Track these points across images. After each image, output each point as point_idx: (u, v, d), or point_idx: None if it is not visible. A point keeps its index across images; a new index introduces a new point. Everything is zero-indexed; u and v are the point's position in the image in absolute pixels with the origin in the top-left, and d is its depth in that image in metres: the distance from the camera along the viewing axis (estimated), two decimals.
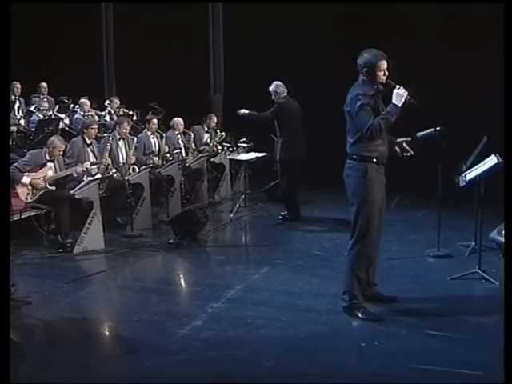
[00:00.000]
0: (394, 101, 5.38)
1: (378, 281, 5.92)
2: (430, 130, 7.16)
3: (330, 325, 5.51)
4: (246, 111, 9.44)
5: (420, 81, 6.05)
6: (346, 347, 5.11)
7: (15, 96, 11.97)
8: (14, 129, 9.87)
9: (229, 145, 11.63)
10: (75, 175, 8.41)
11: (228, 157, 11.08)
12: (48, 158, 8.26)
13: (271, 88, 9.22)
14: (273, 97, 9.22)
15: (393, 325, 5.43)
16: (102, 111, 12.19)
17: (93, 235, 7.89)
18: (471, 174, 6.90)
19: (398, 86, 5.40)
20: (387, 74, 5.46)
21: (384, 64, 5.45)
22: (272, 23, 12.46)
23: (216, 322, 5.57)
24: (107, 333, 5.77)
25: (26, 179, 8.01)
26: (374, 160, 5.46)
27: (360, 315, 5.56)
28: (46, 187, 8.09)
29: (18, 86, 12.09)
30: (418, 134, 7.01)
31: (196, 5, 13.75)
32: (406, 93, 5.37)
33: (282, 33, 12.32)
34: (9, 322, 4.19)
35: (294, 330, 5.40)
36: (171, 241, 8.06)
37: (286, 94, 9.20)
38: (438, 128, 7.15)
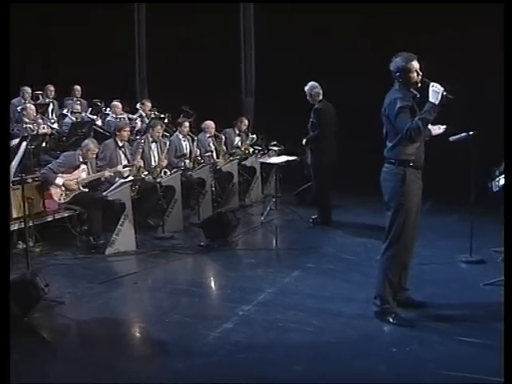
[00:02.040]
0: (430, 99, 5.29)
1: (410, 286, 5.88)
2: (462, 134, 7.09)
3: (360, 329, 5.47)
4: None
5: (456, 82, 5.95)
6: (376, 352, 5.07)
7: (49, 98, 12.12)
8: (47, 131, 9.96)
9: (260, 148, 11.65)
10: (103, 179, 8.48)
11: (259, 160, 11.10)
12: (81, 159, 8.36)
13: (306, 88, 9.20)
14: (308, 97, 9.19)
15: (424, 330, 5.38)
16: (133, 114, 12.25)
17: (124, 237, 7.96)
18: (504, 180, 6.82)
19: (432, 84, 5.32)
20: (420, 73, 5.41)
21: (415, 64, 5.40)
22: (305, 25, 12.40)
23: (247, 325, 5.57)
24: (138, 334, 5.80)
25: (59, 180, 8.11)
26: (412, 164, 5.42)
27: (391, 320, 5.52)
28: (79, 189, 8.19)
29: (52, 88, 12.24)
30: (451, 138, 6.94)
31: (228, 5, 13.72)
32: (442, 89, 5.27)
33: (315, 35, 12.25)
34: (9, 322, 4.19)
35: (325, 335, 5.38)
36: (202, 243, 8.10)
37: (321, 97, 9.16)
38: (470, 132, 7.08)
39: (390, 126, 5.44)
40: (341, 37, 12.00)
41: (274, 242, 8.50)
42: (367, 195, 8.13)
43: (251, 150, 11.64)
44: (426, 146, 5.62)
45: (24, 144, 6.62)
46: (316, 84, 9.19)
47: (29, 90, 11.77)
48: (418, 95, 5.47)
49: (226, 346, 5.17)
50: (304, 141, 9.37)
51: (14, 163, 6.50)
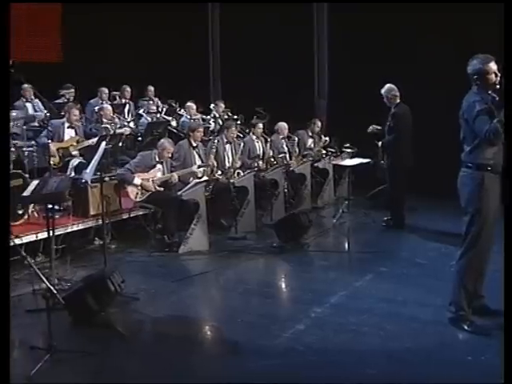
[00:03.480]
0: None
1: (486, 293, 5.76)
2: None
3: (435, 336, 5.40)
4: (375, 127, 9.31)
5: None
6: (451, 360, 4.99)
7: (125, 99, 12.33)
8: (124, 131, 10.16)
9: (333, 150, 11.60)
10: (173, 181, 8.59)
11: (332, 162, 11.06)
12: (157, 159, 8.51)
13: (383, 91, 9.12)
14: (384, 100, 9.11)
15: (500, 339, 5.27)
16: (207, 115, 12.38)
17: (198, 236, 8.07)
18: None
19: None
20: (499, 75, 5.29)
21: (493, 66, 5.28)
22: (380, 24, 12.27)
23: (319, 327, 5.57)
24: (211, 333, 5.85)
25: (137, 180, 8.28)
26: (490, 169, 5.31)
27: (466, 328, 5.42)
28: (154, 188, 8.33)
29: (128, 89, 12.45)
30: None
31: (302, 5, 13.69)
32: None
33: (390, 34, 12.10)
34: (9, 322, 4.19)
35: (398, 340, 5.32)
36: (275, 244, 8.14)
37: (398, 100, 9.07)
38: None
39: (469, 129, 5.35)
40: (417, 37, 11.82)
41: (346, 244, 8.47)
42: (443, 199, 8.02)
43: (324, 151, 11.62)
44: None
45: (103, 144, 6.76)
46: (393, 86, 9.09)
47: (106, 90, 12.00)
48: (497, 98, 5.35)
49: (298, 347, 5.18)
50: (380, 143, 9.29)
51: (94, 162, 6.64)
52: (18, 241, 5.62)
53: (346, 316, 5.82)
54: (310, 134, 11.74)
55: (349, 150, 11.37)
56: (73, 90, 11.53)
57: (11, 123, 8.62)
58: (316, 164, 11.07)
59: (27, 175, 8.07)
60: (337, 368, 4.85)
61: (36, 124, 10.47)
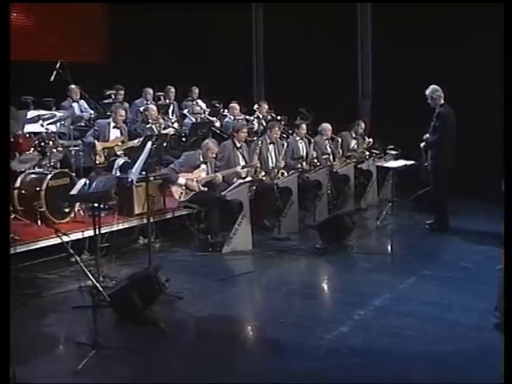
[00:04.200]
0: None
1: None
2: None
3: (479, 341, 5.33)
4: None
5: None
6: (495, 366, 4.92)
7: (169, 99, 12.43)
8: (169, 131, 10.25)
9: (377, 151, 11.54)
10: (217, 181, 8.63)
11: (376, 163, 11.00)
12: (201, 159, 8.57)
13: (428, 92, 9.04)
14: (429, 100, 9.03)
15: None
16: (250, 115, 12.40)
17: (241, 236, 8.09)
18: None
19: None
20: None
21: None
22: (424, 24, 12.14)
23: (362, 330, 5.56)
24: (254, 333, 5.88)
25: (181, 180, 8.36)
26: None
27: None
28: (198, 188, 8.40)
29: (173, 90, 12.54)
30: None
31: (346, 5, 13.63)
32: None
33: (435, 35, 11.99)
34: (9, 322, 4.16)
35: (442, 344, 5.28)
36: (318, 245, 8.13)
37: (443, 101, 8.99)
38: None
39: None
40: (464, 37, 11.67)
41: (390, 246, 8.42)
42: (488, 202, 7.92)
43: (367, 153, 11.57)
44: None
45: (149, 143, 6.83)
46: (437, 87, 9.01)
47: (150, 91, 12.11)
48: None
49: (342, 349, 5.17)
50: (422, 145, 9.22)
51: (140, 162, 6.71)
52: (65, 238, 5.68)
53: (390, 319, 5.79)
54: (354, 135, 11.71)
55: (393, 152, 11.31)
56: (122, 92, 11.66)
57: (58, 123, 8.74)
58: (360, 165, 11.03)
59: (74, 174, 8.21)
60: (380, 370, 4.83)
61: (82, 124, 10.62)
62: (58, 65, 7.70)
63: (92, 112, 10.35)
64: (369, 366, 4.91)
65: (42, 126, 8.30)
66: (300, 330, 5.61)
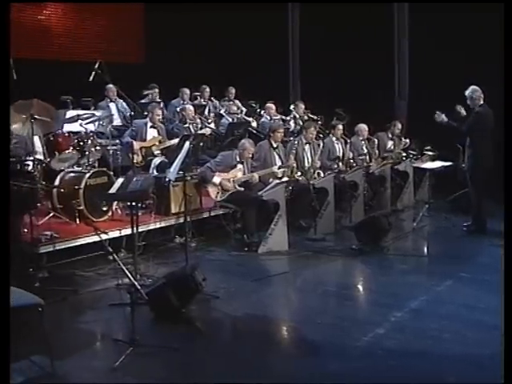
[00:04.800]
0: None
1: None
2: None
3: None
4: (446, 119, 9.14)
5: None
6: None
7: (205, 99, 12.49)
8: (205, 131, 10.30)
9: (413, 152, 11.46)
10: (254, 181, 8.65)
11: (412, 164, 10.93)
12: (238, 159, 8.60)
13: (467, 92, 8.94)
14: (468, 101, 8.95)
15: None
16: (287, 116, 12.40)
17: (277, 236, 8.10)
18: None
19: None
20: None
21: None
22: (461, 25, 12.01)
23: (399, 332, 5.52)
24: (290, 333, 5.87)
25: (216, 179, 8.40)
26: None
27: None
28: (234, 188, 8.43)
29: (208, 89, 12.60)
30: None
31: (382, 5, 13.54)
32: None
33: (473, 35, 11.84)
34: (9, 321, 4.20)
35: (480, 348, 5.22)
36: (354, 246, 8.10)
37: (482, 102, 8.89)
38: None
39: None
40: (503, 37, 11.51)
41: (426, 248, 8.36)
42: None
43: (404, 154, 11.49)
44: None
45: (187, 143, 6.88)
46: (477, 88, 8.91)
47: (187, 91, 12.17)
48: None
49: (378, 351, 5.15)
50: (461, 146, 9.15)
51: (177, 161, 6.76)
52: (104, 236, 5.76)
53: (426, 321, 5.75)
54: (390, 135, 11.64)
55: (429, 153, 11.22)
56: (157, 90, 11.74)
57: (96, 123, 8.84)
58: (396, 166, 10.95)
59: (112, 173, 8.29)
60: (416, 373, 4.79)
61: (120, 123, 10.72)
62: (96, 65, 7.77)
63: (130, 111, 10.43)
64: (405, 368, 4.88)
65: (81, 125, 8.41)
66: (336, 330, 5.60)
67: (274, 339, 5.64)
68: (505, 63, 5.36)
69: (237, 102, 12.66)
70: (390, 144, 11.56)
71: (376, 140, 11.16)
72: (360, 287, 7.33)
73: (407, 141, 11.67)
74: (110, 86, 10.92)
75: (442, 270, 7.43)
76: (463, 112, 9.12)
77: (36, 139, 7.74)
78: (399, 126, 11.75)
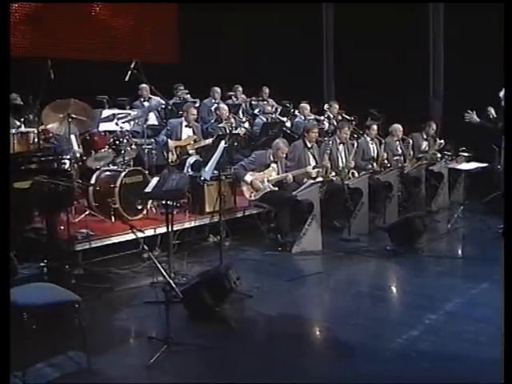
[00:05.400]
0: None
1: None
2: None
3: None
4: (478, 119, 9.06)
5: None
6: None
7: (238, 99, 12.51)
8: (240, 131, 10.33)
9: (449, 153, 11.36)
10: (288, 181, 8.65)
11: (447, 165, 10.83)
12: (272, 159, 8.61)
13: (501, 94, 8.85)
14: (502, 103, 8.85)
15: None
16: (321, 116, 12.38)
17: (311, 236, 8.09)
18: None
19: None
20: None
21: None
22: (497, 25, 11.85)
23: (433, 334, 5.48)
24: (323, 334, 5.86)
25: (248, 177, 8.42)
26: None
27: None
28: (268, 187, 8.44)
29: (240, 89, 12.64)
30: None
31: (417, 5, 13.44)
32: None
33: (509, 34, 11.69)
34: (9, 321, 4.17)
35: None
36: (388, 247, 8.07)
37: None
38: None
39: None
40: None
41: (461, 250, 8.29)
42: None
43: (439, 155, 11.40)
44: None
45: (222, 143, 6.91)
46: None
47: (218, 89, 12.18)
48: None
49: (412, 353, 5.12)
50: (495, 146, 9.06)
51: (213, 161, 6.80)
52: (139, 234, 5.80)
53: (462, 324, 5.69)
54: (425, 136, 11.56)
55: (465, 154, 11.11)
56: (184, 90, 11.78)
57: (132, 122, 8.92)
58: (431, 167, 10.86)
59: (147, 172, 8.36)
60: (451, 377, 4.75)
61: (156, 123, 10.79)
62: (133, 64, 7.84)
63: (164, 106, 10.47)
64: (439, 371, 4.83)
65: (117, 124, 8.50)
66: (369, 332, 5.58)
67: (306, 339, 5.64)
68: (505, 63, 5.30)
69: (271, 100, 12.66)
70: (424, 145, 11.48)
71: (411, 140, 11.10)
72: (394, 288, 7.30)
73: (442, 141, 11.57)
74: (144, 85, 10.97)
75: (477, 273, 7.36)
76: (493, 113, 9.03)
77: (73, 138, 7.84)
78: (434, 126, 11.66)
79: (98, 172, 8.11)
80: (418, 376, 4.76)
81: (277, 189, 8.55)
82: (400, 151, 10.79)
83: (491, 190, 10.15)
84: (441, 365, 4.93)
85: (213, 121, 10.68)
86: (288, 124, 11.73)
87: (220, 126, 10.15)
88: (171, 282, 5.12)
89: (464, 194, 10.31)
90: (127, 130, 8.65)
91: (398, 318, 6.02)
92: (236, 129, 10.35)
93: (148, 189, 6.56)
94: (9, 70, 5.03)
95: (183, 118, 9.53)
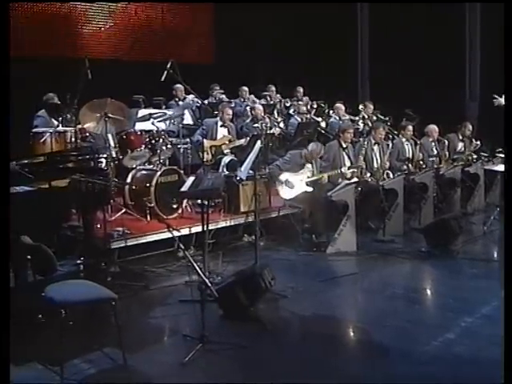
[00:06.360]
0: None
1: None
2: None
3: None
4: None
5: None
6: None
7: (273, 99, 12.51)
8: (275, 131, 10.35)
9: (485, 154, 11.24)
10: (323, 181, 8.65)
11: (484, 167, 10.72)
12: (306, 159, 8.60)
13: None
14: None
15: None
16: (355, 116, 12.34)
17: (346, 237, 8.08)
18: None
19: None
20: None
21: None
22: None
23: (469, 338, 5.44)
24: (357, 334, 5.83)
25: (282, 176, 8.43)
26: None
27: None
28: (303, 188, 8.44)
29: (273, 88, 12.64)
30: None
31: (453, 5, 13.32)
32: None
33: None
34: (9, 321, 4.18)
35: None
36: (423, 249, 8.03)
37: None
38: None
39: None
40: None
41: (497, 253, 8.20)
42: None
43: (475, 156, 11.29)
44: None
45: (258, 142, 6.93)
46: None
47: (246, 88, 12.21)
48: None
49: (447, 356, 5.08)
50: None
51: (248, 160, 6.81)
52: (175, 233, 5.85)
53: (499, 328, 5.62)
54: (461, 137, 11.45)
55: (501, 155, 10.97)
56: (220, 90, 11.83)
57: (167, 121, 8.97)
58: (467, 168, 10.75)
59: (182, 171, 8.41)
60: (487, 381, 4.71)
61: (191, 122, 10.84)
62: (169, 65, 7.90)
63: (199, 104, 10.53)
64: (476, 375, 4.80)
65: (153, 124, 8.56)
66: (404, 333, 5.56)
67: (341, 340, 5.63)
68: (505, 63, 5.24)
69: (305, 98, 12.64)
70: (460, 145, 11.38)
71: (446, 141, 10.99)
72: (429, 290, 7.24)
73: (478, 142, 11.45)
74: (178, 85, 11.00)
75: None
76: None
77: (109, 137, 7.91)
78: (470, 127, 11.54)
79: (133, 171, 8.19)
80: (453, 379, 4.73)
81: (312, 189, 8.54)
82: (435, 152, 10.71)
83: None
84: (477, 369, 4.89)
85: (248, 121, 10.71)
86: (323, 124, 11.68)
87: (255, 125, 10.18)
88: (206, 280, 5.14)
89: (500, 196, 10.19)
90: (163, 130, 8.70)
91: (433, 321, 5.99)
92: (271, 129, 10.37)
93: (184, 188, 6.59)
94: (9, 70, 5.08)
95: (218, 118, 9.59)
